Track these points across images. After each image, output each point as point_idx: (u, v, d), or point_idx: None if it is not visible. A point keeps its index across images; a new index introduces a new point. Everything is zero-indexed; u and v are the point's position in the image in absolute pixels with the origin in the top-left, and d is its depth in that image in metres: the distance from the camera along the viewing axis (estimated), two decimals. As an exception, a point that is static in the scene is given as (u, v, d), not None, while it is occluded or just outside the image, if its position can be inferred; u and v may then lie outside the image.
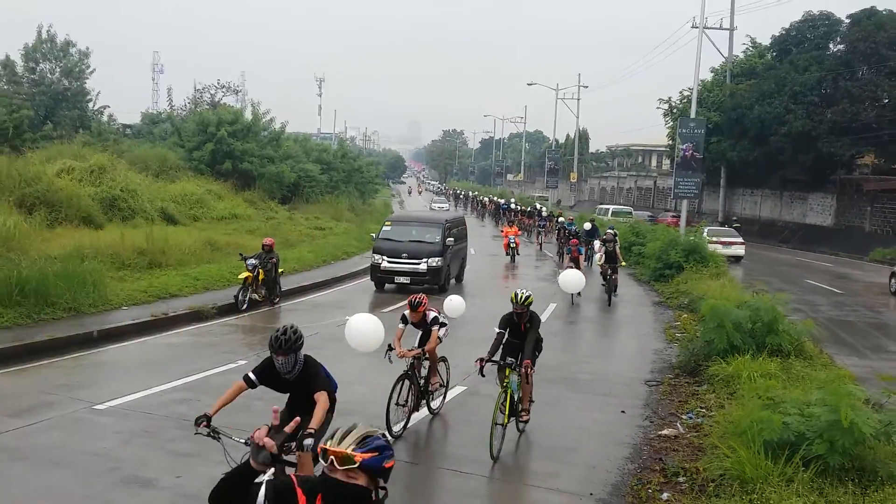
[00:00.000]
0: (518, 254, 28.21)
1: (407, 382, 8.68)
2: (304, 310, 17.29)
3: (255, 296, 16.51)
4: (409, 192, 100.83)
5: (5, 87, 38.88)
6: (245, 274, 16.24)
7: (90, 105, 42.58)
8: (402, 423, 8.60)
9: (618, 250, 20.35)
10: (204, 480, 7.03)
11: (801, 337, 11.55)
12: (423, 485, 7.44)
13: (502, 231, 31.58)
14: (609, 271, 19.42)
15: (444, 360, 9.49)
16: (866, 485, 6.51)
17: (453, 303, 9.84)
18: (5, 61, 40.04)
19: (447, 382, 9.62)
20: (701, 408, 9.84)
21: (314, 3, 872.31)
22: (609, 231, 21.91)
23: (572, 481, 7.60)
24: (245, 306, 16.14)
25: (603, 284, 19.98)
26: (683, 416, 9.62)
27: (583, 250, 24.45)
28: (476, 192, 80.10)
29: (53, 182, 22.12)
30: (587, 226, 28.88)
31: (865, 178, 42.47)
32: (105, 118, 42.66)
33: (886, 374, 8.75)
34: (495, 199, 63.49)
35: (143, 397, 9.61)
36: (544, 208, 44.78)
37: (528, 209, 46.05)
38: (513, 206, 48.41)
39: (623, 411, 10.01)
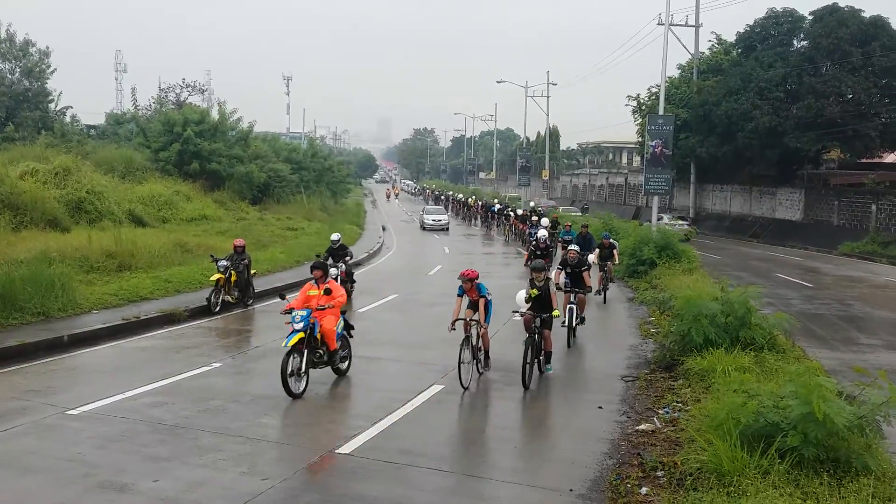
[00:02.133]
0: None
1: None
2: (277, 311, 17.08)
3: (228, 297, 16.36)
4: (388, 197, 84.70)
5: (-35, 88, 38.13)
6: (217, 276, 16.08)
7: (52, 106, 41.92)
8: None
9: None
10: (181, 484, 6.95)
11: (774, 330, 11.67)
12: (401, 483, 7.40)
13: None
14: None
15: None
16: (841, 476, 6.58)
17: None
18: (-36, 62, 39.27)
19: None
20: (677, 402, 9.92)
21: (280, 1, 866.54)
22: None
23: (551, 477, 7.62)
24: (218, 308, 15.99)
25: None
26: (660, 411, 9.68)
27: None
28: (458, 194, 73.70)
29: (17, 185, 21.72)
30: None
31: (832, 172, 43.23)
32: (68, 119, 42.08)
33: (859, 366, 8.89)
34: (484, 199, 59.35)
35: (116, 402, 9.46)
36: (541, 212, 39.35)
37: (523, 213, 39.25)
38: (506, 209, 44.76)
39: (600, 407, 10.05)
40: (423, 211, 49.74)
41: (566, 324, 13.78)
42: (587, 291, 14.92)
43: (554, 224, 30.82)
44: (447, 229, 44.65)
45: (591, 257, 18.51)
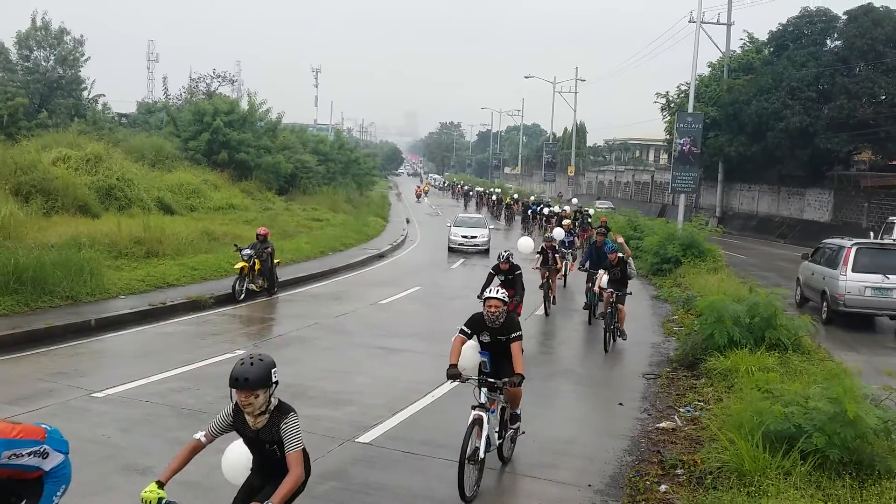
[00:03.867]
0: None
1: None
2: (301, 300, 17.28)
3: (253, 286, 16.49)
4: (417, 197, 69.05)
5: (0, 74, 38.68)
6: (241, 264, 16.22)
7: (85, 93, 42.36)
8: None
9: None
10: (203, 468, 7.01)
11: (799, 332, 11.57)
12: (421, 476, 7.44)
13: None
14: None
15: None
16: (864, 479, 6.53)
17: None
18: (-1, 48, 39.83)
19: None
20: (699, 401, 9.87)
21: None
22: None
23: (570, 473, 7.62)
24: (242, 296, 16.14)
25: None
26: (681, 409, 9.63)
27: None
28: (493, 189, 64.50)
29: (49, 170, 22.03)
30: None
31: (862, 174, 42.51)
32: (100, 107, 42.48)
33: (889, 370, 8.78)
34: (524, 199, 51.33)
35: (141, 386, 9.60)
36: (589, 214, 33.39)
37: (574, 213, 33.07)
38: (550, 209, 37.32)
39: (621, 404, 10.03)
40: (452, 223, 32.19)
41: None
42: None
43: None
44: (487, 250, 28.52)
45: (602, 281, 14.10)
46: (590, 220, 31.35)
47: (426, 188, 77.56)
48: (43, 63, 41.13)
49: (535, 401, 10.31)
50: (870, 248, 17.24)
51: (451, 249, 28.96)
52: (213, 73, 49.91)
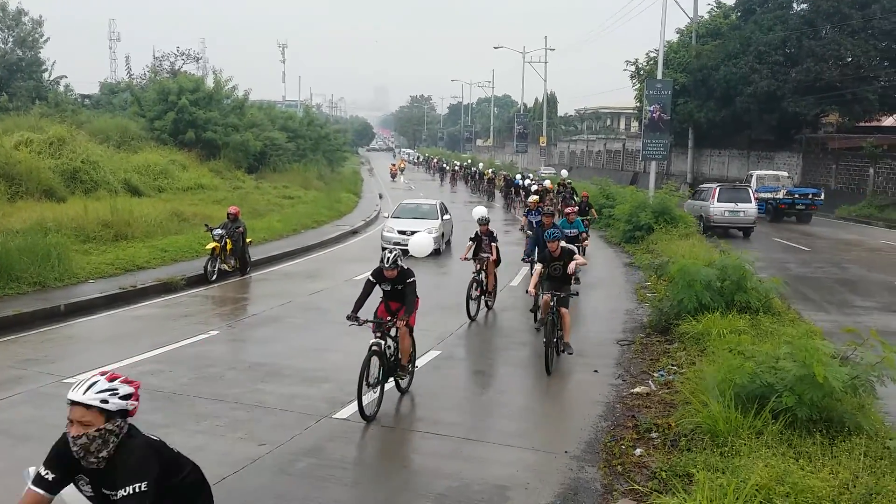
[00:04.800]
0: None
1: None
2: (274, 279, 17.16)
3: (225, 266, 16.35)
4: (393, 177, 60.80)
5: (-43, 57, 37.76)
6: (212, 244, 16.06)
7: (46, 75, 41.58)
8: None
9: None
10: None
11: (770, 294, 11.72)
12: (399, 447, 7.47)
13: None
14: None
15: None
16: (834, 435, 6.65)
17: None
18: (-44, 31, 38.84)
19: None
20: (672, 365, 9.98)
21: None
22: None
23: (547, 440, 7.68)
24: (214, 277, 16.00)
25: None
26: (655, 374, 9.74)
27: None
28: (469, 162, 63.08)
29: (12, 155, 21.59)
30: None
31: (830, 136, 42.98)
32: (62, 88, 41.74)
33: (849, 327, 8.91)
34: (504, 173, 48.11)
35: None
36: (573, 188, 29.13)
37: (558, 188, 29.22)
38: (532, 184, 31.89)
39: (596, 371, 10.10)
40: (390, 212, 23.84)
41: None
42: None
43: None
44: (439, 250, 20.51)
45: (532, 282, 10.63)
46: (575, 196, 26.04)
47: (402, 165, 67.46)
48: (1, 45, 40.20)
49: (510, 369, 10.38)
50: (727, 188, 28.04)
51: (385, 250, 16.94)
52: (177, 51, 49.31)
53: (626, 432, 7.72)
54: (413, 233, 15.43)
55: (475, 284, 13.34)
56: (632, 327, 12.76)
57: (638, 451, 7.18)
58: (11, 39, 40.34)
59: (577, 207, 19.15)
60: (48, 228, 15.98)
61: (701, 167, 52.86)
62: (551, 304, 10.09)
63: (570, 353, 10.37)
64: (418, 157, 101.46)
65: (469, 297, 13.04)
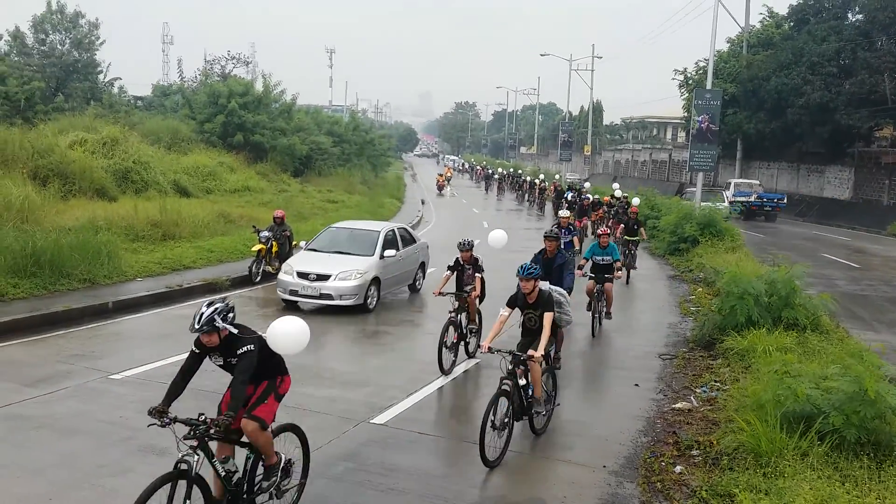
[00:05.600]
0: None
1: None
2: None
3: (269, 268, 16.54)
4: (440, 189, 52.16)
5: (16, 58, 38.89)
6: (258, 246, 16.28)
7: (101, 77, 42.57)
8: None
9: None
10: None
11: (818, 311, 11.46)
12: (442, 455, 7.46)
13: None
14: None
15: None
16: (882, 459, 6.47)
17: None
18: (15, 32, 40.02)
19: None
20: (715, 381, 9.81)
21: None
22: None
23: (585, 453, 7.61)
24: (259, 278, 16.19)
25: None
26: (697, 390, 9.59)
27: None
28: (521, 171, 59.03)
29: (66, 154, 22.17)
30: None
31: (884, 150, 41.89)
32: (116, 90, 42.67)
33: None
34: (556, 183, 42.23)
35: (158, 367, 9.66)
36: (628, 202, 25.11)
37: (611, 199, 27.57)
38: (588, 195, 29.41)
39: (637, 385, 9.99)
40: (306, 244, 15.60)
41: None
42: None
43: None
44: (366, 305, 13.94)
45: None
46: (630, 212, 22.12)
47: (448, 174, 57.68)
48: (59, 47, 41.32)
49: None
50: (704, 190, 29.98)
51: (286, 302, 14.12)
52: (228, 55, 50.08)
53: (666, 449, 7.61)
54: (320, 277, 13.30)
55: (451, 329, 10.30)
56: (674, 341, 12.58)
57: (678, 469, 7.07)
58: (69, 41, 41.41)
59: (621, 226, 18.09)
60: (99, 227, 16.34)
61: (749, 179, 51.95)
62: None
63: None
64: (463, 164, 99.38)
65: (442, 345, 10.02)
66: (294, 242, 17.56)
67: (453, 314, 10.35)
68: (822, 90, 39.90)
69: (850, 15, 44.34)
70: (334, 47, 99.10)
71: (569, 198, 29.99)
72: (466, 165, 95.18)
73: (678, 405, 9.02)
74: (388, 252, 14.78)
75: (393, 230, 15.79)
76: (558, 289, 9.30)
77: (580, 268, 13.23)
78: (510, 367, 7.34)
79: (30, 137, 22.38)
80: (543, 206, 41.79)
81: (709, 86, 31.63)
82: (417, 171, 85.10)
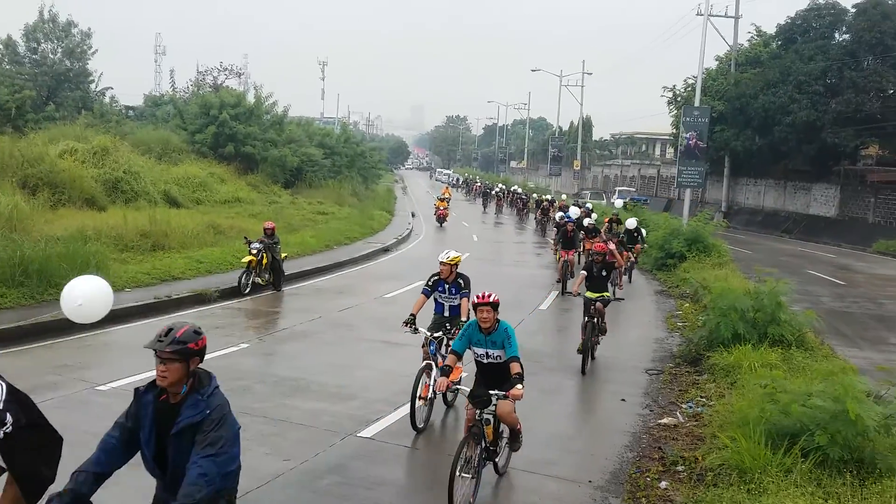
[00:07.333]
0: None
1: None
2: (305, 294, 17.32)
3: (259, 279, 16.54)
4: (440, 220, 38.54)
5: (7, 66, 38.86)
6: (248, 258, 16.27)
7: (92, 86, 42.60)
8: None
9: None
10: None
11: (803, 328, 11.57)
12: (422, 470, 7.48)
13: None
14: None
15: None
16: (864, 477, 6.53)
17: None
18: (7, 41, 40.04)
19: None
20: (701, 397, 9.88)
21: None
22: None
23: (571, 468, 7.64)
24: (248, 290, 16.18)
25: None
26: (683, 406, 9.65)
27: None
28: (520, 189, 54.42)
29: (56, 163, 22.13)
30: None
31: (869, 169, 42.36)
32: (107, 99, 42.75)
33: (885, 366, 8.77)
34: (565, 204, 34.46)
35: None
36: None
37: (609, 226, 22.98)
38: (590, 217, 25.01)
39: (623, 400, 10.04)
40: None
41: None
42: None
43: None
44: None
45: None
46: (620, 232, 21.77)
47: (446, 194, 43.41)
48: (50, 56, 41.32)
49: (535, 395, 10.34)
50: None
51: None
52: (220, 66, 50.14)
53: (651, 464, 7.66)
54: None
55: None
56: (661, 356, 12.66)
57: (663, 484, 7.12)
58: (60, 50, 41.42)
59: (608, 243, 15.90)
60: (88, 237, 16.29)
61: (736, 196, 52.37)
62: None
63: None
64: (457, 179, 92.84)
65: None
66: (285, 255, 17.60)
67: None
68: (809, 109, 40.32)
69: (836, 35, 44.86)
70: (327, 59, 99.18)
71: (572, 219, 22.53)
72: (461, 180, 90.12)
73: (664, 420, 9.07)
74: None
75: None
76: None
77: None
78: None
79: (20, 146, 22.34)
80: (545, 229, 36.45)
81: (697, 103, 31.95)
82: (408, 185, 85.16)
